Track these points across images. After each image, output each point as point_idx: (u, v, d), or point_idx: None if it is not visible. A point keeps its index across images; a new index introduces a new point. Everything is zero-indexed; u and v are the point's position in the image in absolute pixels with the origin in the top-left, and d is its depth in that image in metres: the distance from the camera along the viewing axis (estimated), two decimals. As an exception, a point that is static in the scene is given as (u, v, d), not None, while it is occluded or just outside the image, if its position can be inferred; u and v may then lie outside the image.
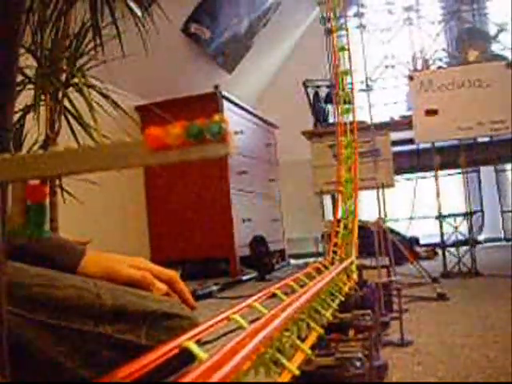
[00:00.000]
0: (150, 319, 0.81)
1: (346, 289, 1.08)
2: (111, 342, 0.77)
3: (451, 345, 1.43)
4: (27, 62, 2.26)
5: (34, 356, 0.73)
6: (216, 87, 3.83)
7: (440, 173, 3.21)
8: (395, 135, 3.58)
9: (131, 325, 0.79)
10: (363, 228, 2.35)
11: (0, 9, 0.57)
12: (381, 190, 2.51)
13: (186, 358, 0.61)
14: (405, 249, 2.78)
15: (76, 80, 2.32)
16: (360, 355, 0.86)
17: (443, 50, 3.93)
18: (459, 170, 3.86)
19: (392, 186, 2.97)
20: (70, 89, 2.36)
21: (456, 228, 3.05)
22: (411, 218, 4.38)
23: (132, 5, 2.47)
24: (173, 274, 0.95)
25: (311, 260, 4.30)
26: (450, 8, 3.86)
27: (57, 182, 2.30)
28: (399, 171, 3.87)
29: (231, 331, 1.21)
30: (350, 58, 1.87)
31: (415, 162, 4.08)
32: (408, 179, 4.60)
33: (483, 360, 1.26)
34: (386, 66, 3.98)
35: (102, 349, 0.76)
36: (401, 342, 1.44)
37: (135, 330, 0.79)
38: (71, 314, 0.76)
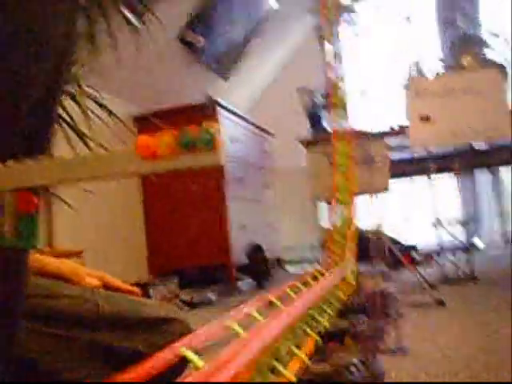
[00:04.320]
0: (147, 325, 0.81)
1: (343, 295, 1.08)
2: (109, 349, 0.77)
3: (448, 351, 1.42)
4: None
5: (32, 366, 0.72)
6: (210, 98, 3.76)
7: (436, 177, 3.21)
8: (390, 141, 3.58)
9: (128, 331, 0.79)
10: (360, 235, 2.35)
11: None
12: (376, 197, 2.51)
13: (178, 366, 0.60)
14: (402, 255, 2.78)
15: (70, 88, 2.31)
16: (356, 362, 0.85)
17: (438, 57, 3.94)
18: (455, 176, 3.86)
19: (386, 190, 2.97)
20: (65, 97, 2.35)
21: (453, 234, 3.05)
22: (408, 225, 4.38)
23: (127, 13, 2.47)
24: (102, 273, 0.93)
25: (308, 267, 4.29)
26: (445, 15, 3.88)
27: (53, 191, 2.29)
28: (395, 177, 3.86)
29: (227, 339, 1.21)
30: (343, 65, 1.87)
31: (411, 167, 4.08)
32: (404, 185, 4.60)
33: (479, 366, 1.26)
34: (381, 74, 3.99)
35: (99, 357, 0.76)
36: (397, 348, 1.44)
37: (132, 337, 0.79)
38: (69, 324, 0.75)
